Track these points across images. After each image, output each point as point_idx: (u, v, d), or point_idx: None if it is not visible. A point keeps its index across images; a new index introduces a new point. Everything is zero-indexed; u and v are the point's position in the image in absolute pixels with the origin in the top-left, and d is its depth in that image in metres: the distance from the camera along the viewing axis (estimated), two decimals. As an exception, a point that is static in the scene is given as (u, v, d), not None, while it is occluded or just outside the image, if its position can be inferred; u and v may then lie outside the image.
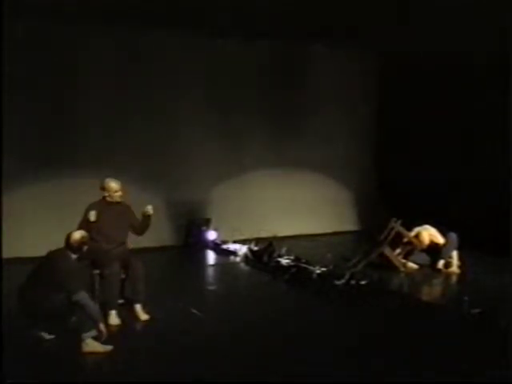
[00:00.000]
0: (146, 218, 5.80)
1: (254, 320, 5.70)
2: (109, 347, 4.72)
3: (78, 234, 5.03)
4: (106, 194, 5.72)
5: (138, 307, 5.63)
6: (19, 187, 8.07)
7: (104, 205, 5.74)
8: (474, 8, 7.23)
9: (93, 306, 4.79)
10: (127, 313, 5.62)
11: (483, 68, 9.02)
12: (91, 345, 4.68)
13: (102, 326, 4.74)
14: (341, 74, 10.55)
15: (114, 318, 5.45)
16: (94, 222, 5.59)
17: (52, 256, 5.00)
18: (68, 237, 5.00)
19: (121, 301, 5.71)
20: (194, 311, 5.84)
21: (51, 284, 4.79)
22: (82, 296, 4.74)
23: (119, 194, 5.75)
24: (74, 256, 5.00)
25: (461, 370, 4.45)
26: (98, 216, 5.61)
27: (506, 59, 8.17)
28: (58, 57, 8.33)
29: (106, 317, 5.38)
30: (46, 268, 4.92)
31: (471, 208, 9.12)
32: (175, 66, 9.16)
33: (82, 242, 5.01)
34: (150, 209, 5.76)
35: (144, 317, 5.59)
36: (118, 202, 5.79)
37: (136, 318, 5.57)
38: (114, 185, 5.72)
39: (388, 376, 4.35)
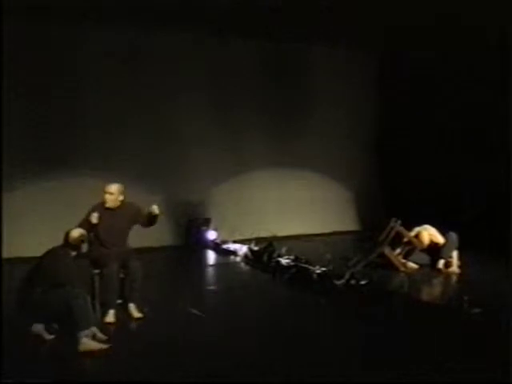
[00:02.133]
0: (152, 217, 5.74)
1: (254, 320, 5.70)
2: (105, 346, 4.70)
3: (76, 233, 5.11)
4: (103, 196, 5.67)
5: (132, 306, 5.60)
6: (19, 187, 8.07)
7: (103, 208, 5.69)
8: (473, 8, 7.24)
9: (83, 309, 4.76)
10: (127, 313, 5.62)
11: (483, 68, 9.02)
12: (87, 344, 4.66)
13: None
14: (341, 74, 10.56)
15: (111, 317, 5.44)
16: (94, 224, 5.58)
17: (51, 253, 5.03)
18: (67, 234, 5.08)
19: (119, 300, 5.71)
20: (194, 311, 5.83)
21: (51, 280, 4.82)
22: (76, 295, 4.75)
23: (112, 197, 5.64)
24: (72, 253, 5.07)
25: (461, 370, 4.44)
26: (98, 219, 5.58)
27: (506, 59, 8.17)
28: (58, 57, 8.33)
29: (104, 315, 5.41)
30: (45, 265, 4.94)
31: (471, 208, 9.12)
32: (175, 66, 9.16)
33: (80, 240, 5.10)
34: (155, 209, 5.68)
35: (137, 315, 5.56)
36: (117, 207, 5.70)
37: (129, 316, 5.54)
38: (108, 187, 5.64)
39: (388, 376, 4.34)
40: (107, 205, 5.67)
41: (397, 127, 10.65)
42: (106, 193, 5.65)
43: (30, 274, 4.99)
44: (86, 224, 5.57)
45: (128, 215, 5.76)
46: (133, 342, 5.14)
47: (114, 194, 5.66)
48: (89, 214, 5.59)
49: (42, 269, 4.93)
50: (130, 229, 5.84)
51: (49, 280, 4.83)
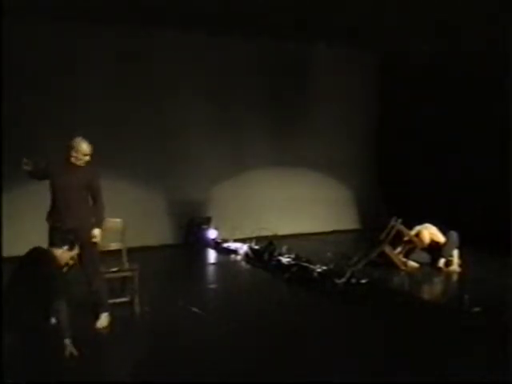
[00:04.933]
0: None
1: (255, 319, 5.70)
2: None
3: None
4: (74, 155, 5.19)
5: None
6: (19, 186, 8.06)
7: (68, 167, 5.21)
8: (473, 7, 7.23)
9: (66, 319, 4.55)
10: (127, 312, 5.63)
11: (483, 67, 9.01)
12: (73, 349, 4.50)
13: (67, 341, 4.48)
14: (341, 73, 10.55)
15: (104, 320, 5.33)
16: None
17: (37, 258, 4.68)
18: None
19: (125, 298, 5.71)
20: (195, 310, 5.84)
21: (47, 297, 4.52)
22: (62, 304, 4.53)
23: (88, 158, 5.22)
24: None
25: (461, 370, 4.44)
26: (59, 181, 5.20)
27: (506, 59, 8.17)
28: (58, 56, 8.32)
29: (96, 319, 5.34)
30: (32, 271, 4.60)
31: (472, 207, 9.12)
32: (175, 66, 9.16)
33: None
34: (97, 235, 5.29)
35: (100, 325, 5.33)
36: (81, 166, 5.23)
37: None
38: (85, 146, 5.20)
39: (388, 376, 4.34)
40: (78, 163, 5.20)
41: (397, 126, 10.64)
42: (78, 151, 5.17)
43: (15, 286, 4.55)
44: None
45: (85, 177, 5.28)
46: (133, 341, 5.15)
47: (89, 154, 5.22)
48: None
49: (29, 279, 4.54)
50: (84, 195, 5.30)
51: (45, 297, 4.51)
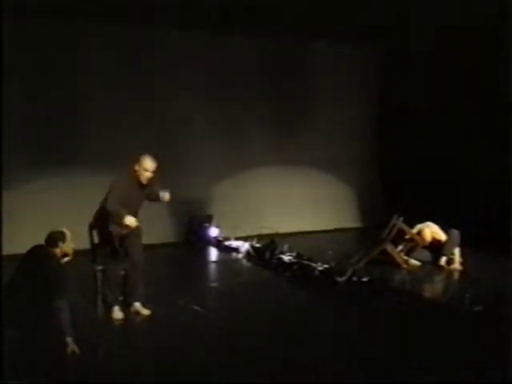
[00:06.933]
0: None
1: (256, 317, 5.71)
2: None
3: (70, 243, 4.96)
4: (136, 169, 5.57)
5: (138, 305, 5.65)
6: (19, 186, 8.07)
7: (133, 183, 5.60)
8: (473, 7, 7.22)
9: (67, 317, 4.58)
10: (128, 310, 5.64)
11: (483, 67, 9.00)
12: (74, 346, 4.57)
13: (69, 340, 4.54)
14: (341, 72, 10.53)
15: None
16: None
17: (38, 257, 4.77)
18: (59, 238, 4.92)
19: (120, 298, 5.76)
20: (196, 308, 5.85)
21: (45, 293, 4.57)
22: (64, 303, 4.57)
23: (150, 175, 5.59)
24: (64, 259, 4.92)
25: (461, 369, 4.44)
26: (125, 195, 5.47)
27: (506, 58, 8.15)
28: (58, 56, 8.32)
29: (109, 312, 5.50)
30: (33, 270, 4.66)
31: (472, 207, 9.10)
32: (175, 65, 9.14)
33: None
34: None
35: (146, 312, 5.61)
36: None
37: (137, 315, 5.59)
38: (149, 163, 5.58)
39: (388, 375, 4.34)
40: (144, 182, 5.62)
41: (398, 125, 10.63)
42: (146, 171, 5.56)
43: (15, 284, 4.65)
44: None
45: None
46: (133, 339, 5.16)
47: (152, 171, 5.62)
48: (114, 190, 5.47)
49: (29, 276, 4.63)
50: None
51: (43, 293, 4.57)
